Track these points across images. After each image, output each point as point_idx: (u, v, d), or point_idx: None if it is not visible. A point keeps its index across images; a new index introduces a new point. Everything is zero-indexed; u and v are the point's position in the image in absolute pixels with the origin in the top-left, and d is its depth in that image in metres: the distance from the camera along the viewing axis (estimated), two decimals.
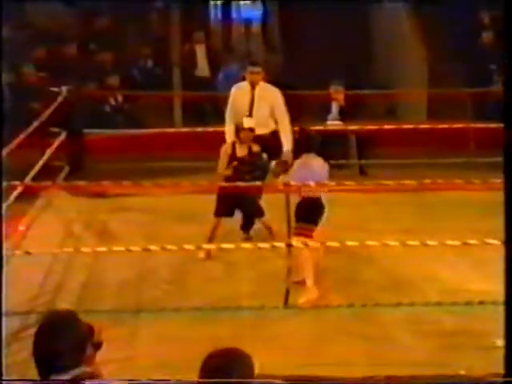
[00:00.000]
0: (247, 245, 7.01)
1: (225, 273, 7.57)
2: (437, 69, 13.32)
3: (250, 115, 8.51)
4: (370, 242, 6.43)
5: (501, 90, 12.38)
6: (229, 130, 8.63)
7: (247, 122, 8.18)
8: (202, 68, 13.18)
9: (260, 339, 6.15)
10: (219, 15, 15.57)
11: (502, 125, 12.72)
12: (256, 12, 15.94)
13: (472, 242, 6.91)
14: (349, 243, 6.89)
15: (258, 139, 8.31)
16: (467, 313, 6.46)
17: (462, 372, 5.57)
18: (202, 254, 7.81)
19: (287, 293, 6.72)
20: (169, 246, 6.76)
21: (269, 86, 8.74)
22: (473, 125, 11.27)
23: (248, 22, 15.76)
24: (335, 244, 6.93)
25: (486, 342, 6.08)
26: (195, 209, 8.84)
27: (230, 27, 15.38)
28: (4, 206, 7.32)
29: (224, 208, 7.94)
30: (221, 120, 9.68)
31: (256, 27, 15.75)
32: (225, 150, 8.15)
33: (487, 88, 12.44)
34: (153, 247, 6.94)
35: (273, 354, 5.82)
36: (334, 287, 7.25)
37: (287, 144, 8.42)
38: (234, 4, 15.66)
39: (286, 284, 6.79)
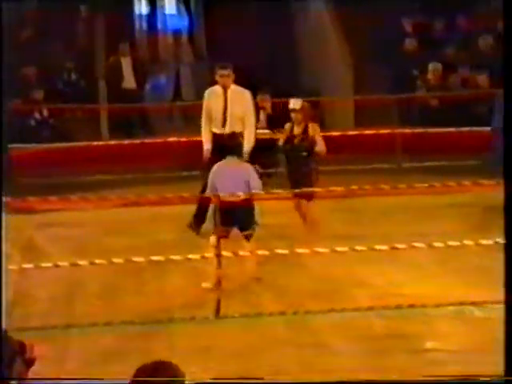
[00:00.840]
0: (177, 256, 6.94)
1: (156, 285, 7.50)
2: (362, 75, 13.46)
3: (225, 118, 8.79)
4: (299, 250, 6.43)
5: (425, 95, 12.70)
6: (205, 136, 8.86)
7: (293, 104, 8.66)
8: (129, 80, 13.10)
9: (192, 350, 6.12)
10: (144, 26, 15.51)
11: (427, 129, 12.88)
12: (182, 22, 15.91)
13: (400, 246, 6.99)
14: (279, 251, 6.90)
15: (229, 138, 8.55)
16: (397, 316, 6.51)
17: (394, 376, 5.61)
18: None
19: (218, 303, 6.69)
20: (97, 260, 6.68)
21: (240, 89, 8.91)
22: (399, 130, 11.40)
23: (174, 33, 15.72)
24: (265, 252, 6.93)
25: (416, 344, 6.13)
26: (123, 222, 8.77)
27: (156, 38, 15.34)
28: None
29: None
30: (149, 132, 9.70)
31: (182, 37, 15.73)
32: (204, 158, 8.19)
33: (411, 93, 12.61)
34: (81, 262, 6.84)
35: (205, 364, 5.79)
36: (265, 295, 7.25)
37: (248, 145, 8.71)
38: (159, 15, 15.61)
39: (216, 294, 6.76)
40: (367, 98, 12.38)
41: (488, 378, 5.12)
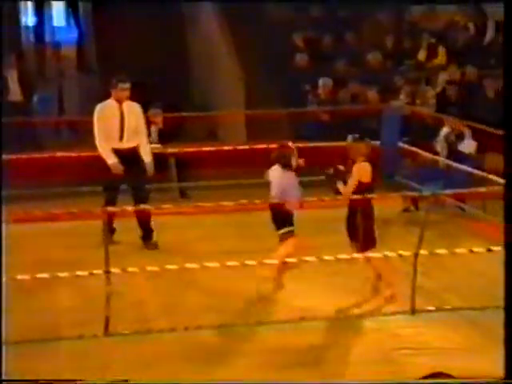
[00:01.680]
0: (64, 273, 6.76)
1: (45, 302, 7.30)
2: (254, 90, 13.51)
3: (122, 131, 8.84)
4: (189, 265, 6.36)
5: (316, 109, 12.82)
6: (105, 151, 8.82)
7: None
8: (15, 92, 12.79)
9: (81, 370, 5.98)
10: (32, 38, 15.20)
11: (320, 144, 12.94)
12: (71, 34, 15.67)
13: (291, 260, 7.01)
14: (169, 267, 6.81)
15: (128, 152, 8.81)
16: (290, 329, 6.51)
17: None
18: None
19: (107, 320, 6.55)
20: None
21: (132, 102, 8.98)
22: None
23: (60, 45, 15.45)
24: (155, 268, 6.84)
25: (309, 356, 6.14)
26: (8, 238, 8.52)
27: (44, 50, 15.05)
28: None
29: None
30: (38, 145, 9.41)
31: (70, 49, 15.48)
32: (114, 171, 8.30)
33: (303, 108, 12.71)
34: None
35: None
36: (156, 312, 7.16)
37: (147, 157, 8.98)
38: (47, 26, 15.32)
39: (105, 311, 6.61)
40: (259, 112, 12.41)
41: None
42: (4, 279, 6.30)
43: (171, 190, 11.20)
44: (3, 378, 5.49)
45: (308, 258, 6.56)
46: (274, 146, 11.22)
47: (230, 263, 6.47)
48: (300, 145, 11.28)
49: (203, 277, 7.53)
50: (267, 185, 7.79)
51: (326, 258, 6.77)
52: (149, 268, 6.76)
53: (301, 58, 13.98)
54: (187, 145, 11.45)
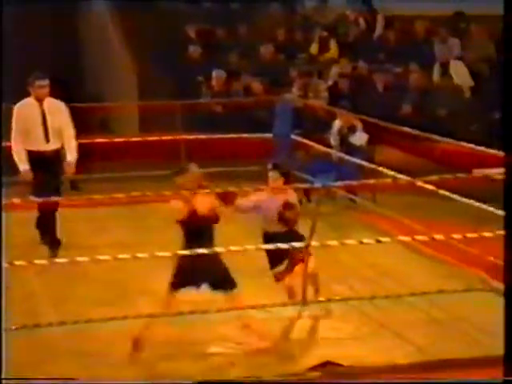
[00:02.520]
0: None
1: None
2: (146, 81, 13.43)
3: (46, 130, 8.34)
4: (80, 258, 6.26)
5: (209, 101, 12.83)
6: (19, 155, 8.30)
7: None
8: None
9: None
10: None
11: (211, 135, 12.97)
12: None
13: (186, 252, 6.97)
14: (58, 260, 6.70)
15: (51, 154, 8.32)
16: (180, 323, 6.51)
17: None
18: None
19: None
20: None
21: (55, 100, 8.49)
22: (183, 136, 11.44)
23: None
24: (43, 261, 6.71)
25: (198, 349, 6.15)
26: None
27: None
28: None
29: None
30: None
31: None
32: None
33: (196, 100, 12.70)
34: None
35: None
36: (44, 306, 7.04)
37: (71, 155, 8.44)
38: None
39: None
40: (151, 103, 12.34)
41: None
42: None
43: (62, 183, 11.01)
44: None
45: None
46: (166, 137, 11.29)
47: (121, 256, 6.39)
48: (192, 136, 11.44)
49: (95, 270, 7.44)
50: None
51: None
52: (37, 261, 6.62)
53: (194, 50, 13.96)
54: (79, 136, 11.28)
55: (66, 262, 6.47)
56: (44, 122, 8.38)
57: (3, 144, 8.86)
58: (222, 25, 14.75)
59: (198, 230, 6.15)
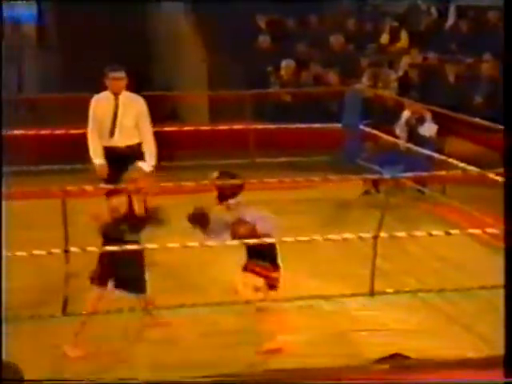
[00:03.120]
0: (23, 252, 6.69)
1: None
2: (216, 71, 13.49)
3: (114, 126, 7.85)
4: (149, 245, 6.34)
5: (278, 91, 12.84)
6: (94, 149, 7.89)
7: None
8: None
9: (40, 349, 6.00)
10: None
11: (280, 125, 12.93)
12: (30, 12, 15.49)
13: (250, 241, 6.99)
14: (129, 247, 6.77)
15: (126, 151, 7.79)
16: (246, 312, 6.53)
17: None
18: None
19: (65, 301, 6.52)
20: None
21: (133, 95, 7.97)
22: (253, 126, 11.48)
23: (20, 22, 15.28)
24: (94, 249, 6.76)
25: (263, 339, 6.17)
26: None
27: (2, 27, 14.85)
28: None
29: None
30: None
31: (30, 27, 15.31)
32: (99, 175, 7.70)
33: (265, 90, 12.73)
34: None
35: (55, 362, 5.80)
36: None
37: (150, 159, 7.79)
38: (5, 3, 15.11)
39: (64, 292, 6.57)
40: (221, 93, 12.41)
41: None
42: None
43: None
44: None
45: (268, 240, 6.54)
46: (235, 127, 11.34)
47: (190, 244, 6.45)
48: (261, 126, 11.47)
49: (164, 258, 7.52)
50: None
51: (286, 239, 6.76)
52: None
53: (263, 40, 13.98)
54: None
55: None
56: (114, 117, 7.90)
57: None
58: (291, 15, 14.73)
59: None
